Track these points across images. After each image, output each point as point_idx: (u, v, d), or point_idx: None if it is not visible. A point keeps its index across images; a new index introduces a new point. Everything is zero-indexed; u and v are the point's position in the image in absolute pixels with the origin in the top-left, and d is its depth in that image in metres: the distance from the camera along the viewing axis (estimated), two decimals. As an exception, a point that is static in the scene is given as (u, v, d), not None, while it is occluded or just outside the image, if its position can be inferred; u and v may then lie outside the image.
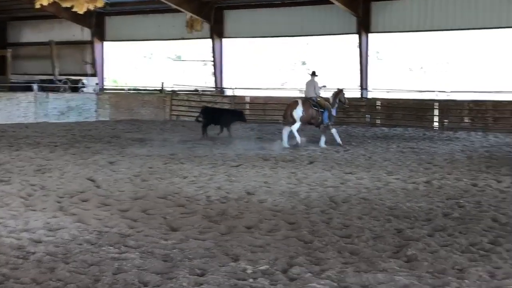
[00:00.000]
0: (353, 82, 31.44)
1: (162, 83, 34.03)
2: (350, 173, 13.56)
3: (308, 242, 7.70)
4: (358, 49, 30.63)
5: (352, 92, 31.01)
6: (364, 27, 29.96)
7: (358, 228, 8.36)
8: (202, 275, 6.32)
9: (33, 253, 6.94)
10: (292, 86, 32.91)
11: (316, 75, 19.77)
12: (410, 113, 27.83)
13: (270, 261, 6.81)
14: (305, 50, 35.81)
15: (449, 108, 26.78)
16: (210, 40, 34.90)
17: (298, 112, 19.00)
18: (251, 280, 6.18)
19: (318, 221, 8.76)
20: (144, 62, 40.94)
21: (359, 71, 30.47)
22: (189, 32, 35.28)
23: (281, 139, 18.99)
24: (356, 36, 30.50)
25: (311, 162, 15.28)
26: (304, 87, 20.15)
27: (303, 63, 36.46)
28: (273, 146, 18.41)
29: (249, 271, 6.46)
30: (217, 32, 34.33)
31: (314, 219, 8.92)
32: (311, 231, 8.20)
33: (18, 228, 8.09)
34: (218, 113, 22.52)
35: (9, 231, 7.91)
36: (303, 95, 20.52)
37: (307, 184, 12.01)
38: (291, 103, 19.45)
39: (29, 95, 28.52)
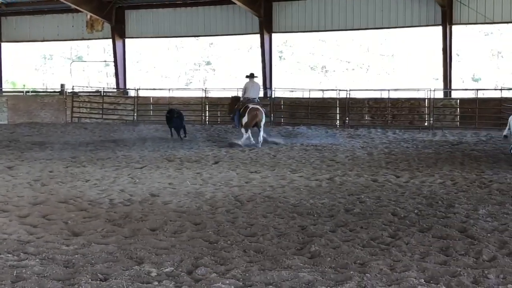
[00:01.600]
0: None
1: (62, 84, 33.17)
2: (255, 172, 13.67)
3: (213, 242, 7.70)
4: (260, 49, 30.91)
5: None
6: (266, 27, 30.28)
7: (263, 227, 8.43)
8: (105, 279, 6.19)
9: None
10: (196, 86, 32.86)
11: (256, 77, 20.50)
12: (313, 111, 28.36)
13: (175, 263, 6.76)
14: (209, 50, 35.85)
15: (350, 106, 27.48)
16: (111, 40, 34.30)
17: (264, 119, 19.68)
18: (156, 283, 6.11)
19: (223, 221, 8.77)
20: (44, 64, 39.81)
21: (261, 71, 30.75)
22: (90, 32, 34.57)
23: (249, 141, 19.04)
24: (259, 36, 30.77)
25: (216, 162, 15.30)
26: (244, 88, 20.28)
27: (208, 63, 36.50)
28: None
29: (153, 274, 6.38)
30: (118, 32, 33.77)
31: (220, 219, 8.93)
32: (216, 231, 8.21)
33: None
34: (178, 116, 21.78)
35: None
36: (239, 95, 21.15)
37: (213, 184, 12.02)
38: (257, 111, 19.32)
39: None
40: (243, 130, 19.34)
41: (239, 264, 6.72)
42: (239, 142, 18.99)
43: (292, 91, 30.05)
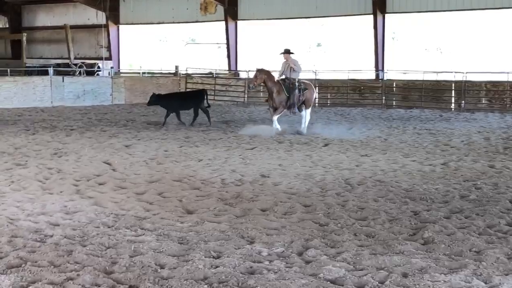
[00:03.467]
0: (369, 63, 31.26)
1: (177, 66, 34.01)
2: (366, 155, 13.50)
3: (323, 224, 7.69)
4: (373, 30, 30.39)
5: (368, 73, 30.89)
6: (379, 8, 29.73)
7: (374, 211, 8.33)
8: (217, 257, 6.33)
9: (51, 236, 6.99)
10: (307, 68, 32.77)
11: (293, 53, 18.13)
12: (427, 94, 27.65)
13: (286, 244, 6.81)
14: (320, 32, 35.59)
15: (466, 89, 26.56)
16: (223, 23, 34.78)
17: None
18: (266, 262, 6.19)
19: (333, 204, 8.74)
20: (159, 45, 40.91)
21: (374, 53, 30.26)
22: (203, 14, 35.21)
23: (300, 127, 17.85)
24: (371, 17, 30.26)
25: (326, 145, 15.23)
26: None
27: (318, 45, 36.29)
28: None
29: (264, 254, 6.46)
30: (231, 15, 34.22)
31: (330, 201, 8.90)
32: (326, 214, 8.19)
33: (36, 212, 8.15)
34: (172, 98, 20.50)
35: (26, 215, 7.97)
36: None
37: (322, 167, 11.98)
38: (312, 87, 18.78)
39: (45, 79, 28.60)
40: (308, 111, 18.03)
41: (349, 248, 6.68)
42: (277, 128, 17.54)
43: (405, 73, 29.37)
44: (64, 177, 10.56)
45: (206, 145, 15.01)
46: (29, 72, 32.86)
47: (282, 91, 17.64)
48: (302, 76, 19.02)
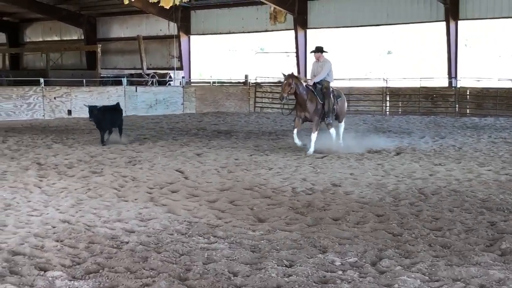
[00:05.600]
0: (441, 71, 30.73)
1: (246, 75, 34.26)
2: (440, 164, 13.24)
3: (397, 234, 7.58)
4: (446, 37, 29.86)
5: (440, 81, 30.36)
6: (452, 14, 29.19)
7: (449, 221, 8.16)
8: (290, 266, 6.33)
9: (127, 242, 7.14)
10: (377, 76, 32.48)
11: (326, 51, 15.73)
12: (502, 102, 26.93)
13: (359, 254, 6.74)
14: (390, 39, 35.22)
15: (543, 96, 25.76)
16: (293, 32, 34.86)
17: None
18: (340, 272, 6.14)
19: (407, 214, 8.61)
20: (229, 55, 41.35)
21: (447, 60, 29.71)
22: (273, 24, 35.39)
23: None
24: (444, 24, 29.74)
25: (398, 153, 15.02)
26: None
27: (389, 52, 35.90)
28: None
29: (337, 263, 6.42)
30: (300, 23, 34.25)
31: (403, 211, 8.77)
32: (400, 224, 8.07)
33: (112, 218, 8.35)
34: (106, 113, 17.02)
35: (103, 221, 8.17)
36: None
37: (395, 176, 11.82)
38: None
39: (119, 89, 29.31)
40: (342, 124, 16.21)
41: (424, 258, 6.56)
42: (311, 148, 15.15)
43: (479, 80, 28.72)
44: (139, 185, 10.78)
45: (276, 153, 15.04)
46: (104, 82, 33.75)
47: (315, 97, 15.11)
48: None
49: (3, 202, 9.39)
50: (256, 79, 33.55)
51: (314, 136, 15.11)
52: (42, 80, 27.12)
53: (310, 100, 15.05)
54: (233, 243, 7.17)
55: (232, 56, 41.24)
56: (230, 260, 6.49)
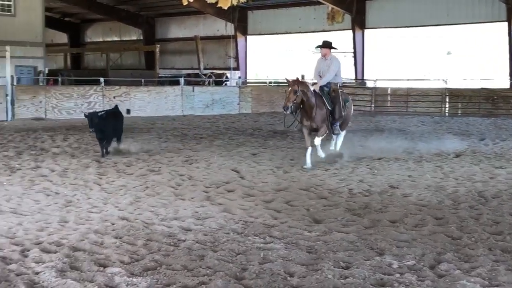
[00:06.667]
0: (502, 71, 30.04)
1: (302, 75, 34.14)
2: (500, 167, 12.93)
3: (456, 238, 7.43)
4: (507, 37, 29.17)
5: (502, 82, 29.69)
6: (515, 14, 28.53)
7: (510, 225, 7.95)
8: (347, 268, 6.28)
9: (183, 240, 7.20)
10: (436, 77, 31.98)
11: (335, 48, 13.93)
12: None
13: (417, 257, 6.64)
14: (450, 39, 34.60)
15: None
16: (351, 32, 34.62)
17: None
18: (397, 275, 6.06)
19: (466, 217, 8.43)
20: (285, 55, 41.34)
21: (508, 60, 29.03)
22: (330, 24, 35.24)
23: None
24: (506, 24, 29.06)
25: (457, 156, 14.74)
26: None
27: (448, 53, 35.28)
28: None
29: (395, 266, 6.33)
30: (358, 23, 33.99)
31: (462, 214, 8.59)
32: (459, 227, 7.91)
33: (169, 216, 8.44)
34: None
35: (160, 219, 8.27)
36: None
37: (454, 179, 11.60)
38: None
39: (176, 89, 29.65)
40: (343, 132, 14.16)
41: (484, 263, 6.41)
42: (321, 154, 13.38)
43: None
44: (195, 184, 10.88)
45: (333, 155, 14.91)
46: (161, 82, 34.20)
47: (323, 104, 13.13)
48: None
49: (64, 198, 9.61)
50: (312, 79, 33.39)
51: (318, 141, 13.09)
52: (102, 79, 27.66)
53: (319, 107, 13.00)
54: (289, 243, 7.16)
55: (289, 56, 41.19)
56: (286, 260, 6.48)
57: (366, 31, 34.27)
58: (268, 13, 38.70)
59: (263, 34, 39.88)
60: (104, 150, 14.24)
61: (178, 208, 8.93)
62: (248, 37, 40.38)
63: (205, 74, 36.92)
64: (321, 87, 13.32)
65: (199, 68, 38.43)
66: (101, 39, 51.14)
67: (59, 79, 31.36)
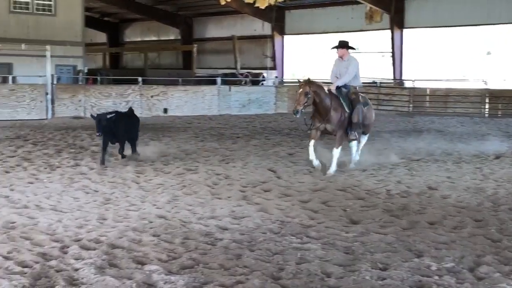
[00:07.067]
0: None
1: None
2: (542, 169, 12.70)
3: (496, 240, 7.32)
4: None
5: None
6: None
7: (552, 228, 7.81)
8: (384, 269, 6.22)
9: (220, 239, 7.22)
10: (475, 78, 31.54)
11: (353, 48, 13.03)
12: None
13: (456, 259, 6.55)
14: (490, 39, 34.09)
15: None
16: (389, 31, 34.35)
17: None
18: (436, 277, 5.99)
19: (506, 219, 8.30)
20: (322, 55, 41.19)
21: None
22: (368, 23, 35.00)
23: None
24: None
25: (497, 157, 14.50)
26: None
27: (488, 53, 34.76)
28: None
29: (433, 268, 6.26)
30: (397, 23, 33.69)
31: (503, 217, 8.46)
32: (499, 229, 7.79)
33: (206, 215, 8.48)
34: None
35: (197, 218, 8.31)
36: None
37: (494, 180, 11.42)
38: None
39: (213, 88, 29.76)
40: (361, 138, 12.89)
41: (525, 267, 6.31)
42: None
43: None
44: (232, 183, 10.90)
45: (370, 154, 14.81)
46: (198, 82, 34.39)
47: (341, 106, 12.11)
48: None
49: (103, 196, 9.72)
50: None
51: (337, 152, 12.06)
52: (140, 79, 27.91)
53: (335, 108, 11.96)
54: (326, 244, 7.12)
55: (326, 56, 41.03)
56: (323, 261, 6.45)
57: (404, 30, 33.96)
58: (305, 12, 38.60)
59: (300, 34, 39.78)
60: (105, 158, 12.66)
61: (215, 207, 8.96)
62: (285, 36, 40.33)
63: (241, 74, 36.99)
64: (339, 88, 12.30)
65: (235, 68, 38.52)
66: (139, 39, 51.63)
67: (98, 78, 31.75)
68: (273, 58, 40.71)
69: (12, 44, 28.71)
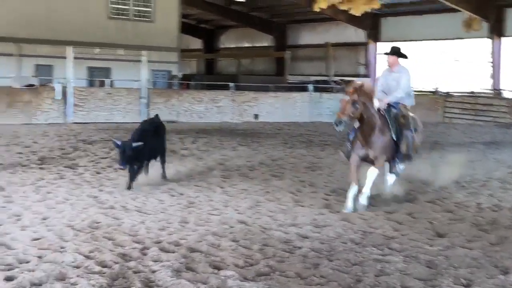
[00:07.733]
0: None
1: (436, 85, 33.22)
2: None
3: None
4: None
5: None
6: None
7: None
8: (467, 285, 5.97)
9: (299, 247, 7.14)
10: None
11: (405, 56, 10.35)
12: None
13: (547, 279, 6.20)
14: None
15: None
16: (486, 40, 33.23)
17: None
18: (524, 297, 5.69)
19: None
20: (418, 63, 40.33)
21: None
22: (466, 31, 33.94)
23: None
24: None
25: None
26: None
27: None
28: None
29: (520, 287, 5.95)
30: (496, 31, 32.53)
31: None
32: None
33: (287, 223, 8.41)
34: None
35: (278, 225, 8.26)
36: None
37: None
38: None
39: (304, 95, 29.68)
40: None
41: None
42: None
43: None
44: (316, 191, 10.80)
45: (463, 166, 14.31)
46: (290, 88, 34.39)
47: (388, 129, 9.64)
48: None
49: (187, 199, 9.84)
50: (446, 89, 32.38)
51: (374, 173, 9.64)
52: (232, 84, 28.21)
53: (381, 131, 9.55)
54: (408, 256, 6.91)
55: (421, 64, 40.14)
56: (404, 274, 6.26)
57: (503, 39, 32.76)
58: (401, 20, 37.92)
59: (395, 41, 39.08)
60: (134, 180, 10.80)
61: (296, 215, 8.89)
62: (380, 44, 39.74)
63: (334, 81, 36.70)
64: (388, 107, 9.83)
65: (327, 75, 38.28)
66: (234, 45, 52.20)
67: (192, 83, 32.27)
68: (367, 65, 40.19)
69: (111, 49, 29.66)
